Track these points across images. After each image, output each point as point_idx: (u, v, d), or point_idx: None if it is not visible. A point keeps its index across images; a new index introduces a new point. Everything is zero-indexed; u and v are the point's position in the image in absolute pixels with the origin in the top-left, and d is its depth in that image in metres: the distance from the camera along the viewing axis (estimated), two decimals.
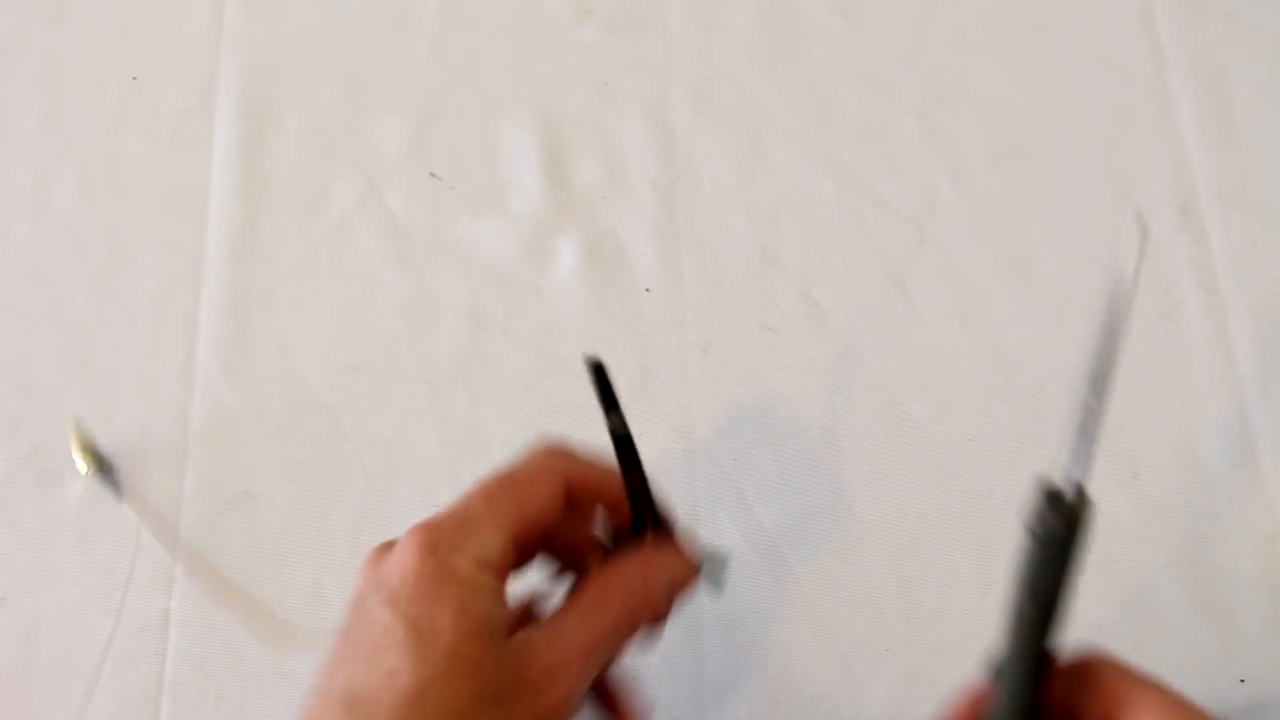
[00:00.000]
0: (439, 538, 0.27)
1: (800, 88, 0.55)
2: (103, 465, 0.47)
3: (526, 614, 0.34)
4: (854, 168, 0.53)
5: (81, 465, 0.45)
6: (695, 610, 0.45)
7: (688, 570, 0.33)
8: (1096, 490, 0.47)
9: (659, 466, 0.47)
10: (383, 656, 0.25)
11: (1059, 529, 0.27)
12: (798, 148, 0.54)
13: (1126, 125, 0.53)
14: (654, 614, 0.31)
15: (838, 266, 0.51)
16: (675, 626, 0.45)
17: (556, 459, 0.31)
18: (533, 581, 0.35)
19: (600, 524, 0.35)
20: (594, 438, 0.49)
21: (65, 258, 0.53)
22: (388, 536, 0.31)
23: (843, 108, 0.54)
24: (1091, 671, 0.30)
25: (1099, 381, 0.29)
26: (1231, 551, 0.45)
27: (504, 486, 0.29)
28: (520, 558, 0.29)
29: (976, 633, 0.45)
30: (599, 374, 0.31)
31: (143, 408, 0.49)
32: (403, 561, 0.27)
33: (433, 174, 0.54)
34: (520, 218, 0.53)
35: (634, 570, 0.31)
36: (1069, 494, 0.27)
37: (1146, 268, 0.50)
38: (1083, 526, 0.26)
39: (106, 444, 0.49)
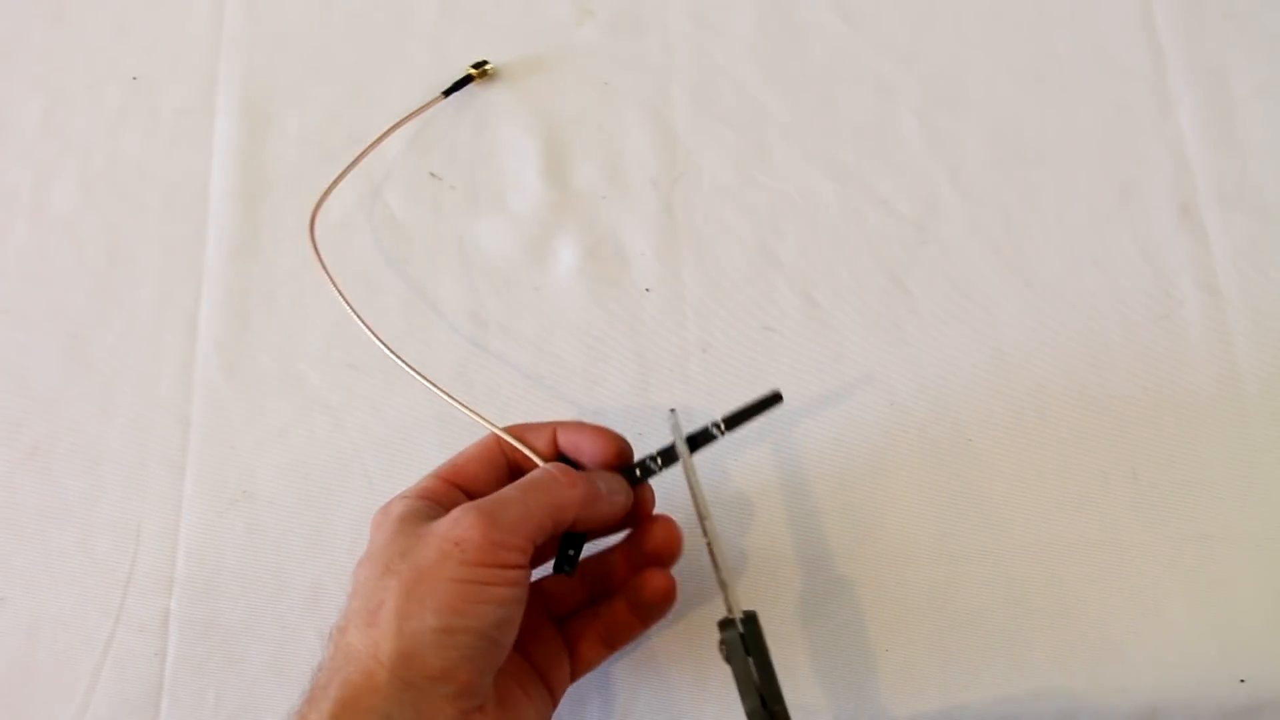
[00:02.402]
0: (402, 491, 0.40)
1: (800, 88, 0.55)
2: None
3: None
4: (854, 168, 0.53)
5: None
6: (695, 615, 0.45)
7: (616, 478, 0.41)
8: (1096, 489, 0.48)
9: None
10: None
11: (736, 639, 0.37)
12: (798, 148, 0.54)
13: (1126, 125, 0.53)
14: (575, 493, 0.38)
15: (838, 266, 0.51)
16: (676, 633, 0.45)
17: (494, 437, 0.42)
18: None
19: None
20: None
21: (65, 258, 0.53)
22: None
23: (843, 108, 0.54)
24: None
25: (703, 521, 0.40)
26: (1231, 551, 0.46)
27: (450, 459, 0.41)
28: (452, 490, 0.40)
29: (976, 633, 0.45)
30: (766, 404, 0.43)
31: (143, 408, 0.49)
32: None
33: (433, 174, 0.54)
34: (520, 218, 0.53)
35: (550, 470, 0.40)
36: (734, 617, 0.38)
37: (1147, 268, 0.50)
38: (750, 634, 0.37)
39: (107, 444, 0.49)
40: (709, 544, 0.39)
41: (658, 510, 0.43)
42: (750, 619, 0.38)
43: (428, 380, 0.45)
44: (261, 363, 0.50)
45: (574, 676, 0.42)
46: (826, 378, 0.49)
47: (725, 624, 0.38)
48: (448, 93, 0.55)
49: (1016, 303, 0.50)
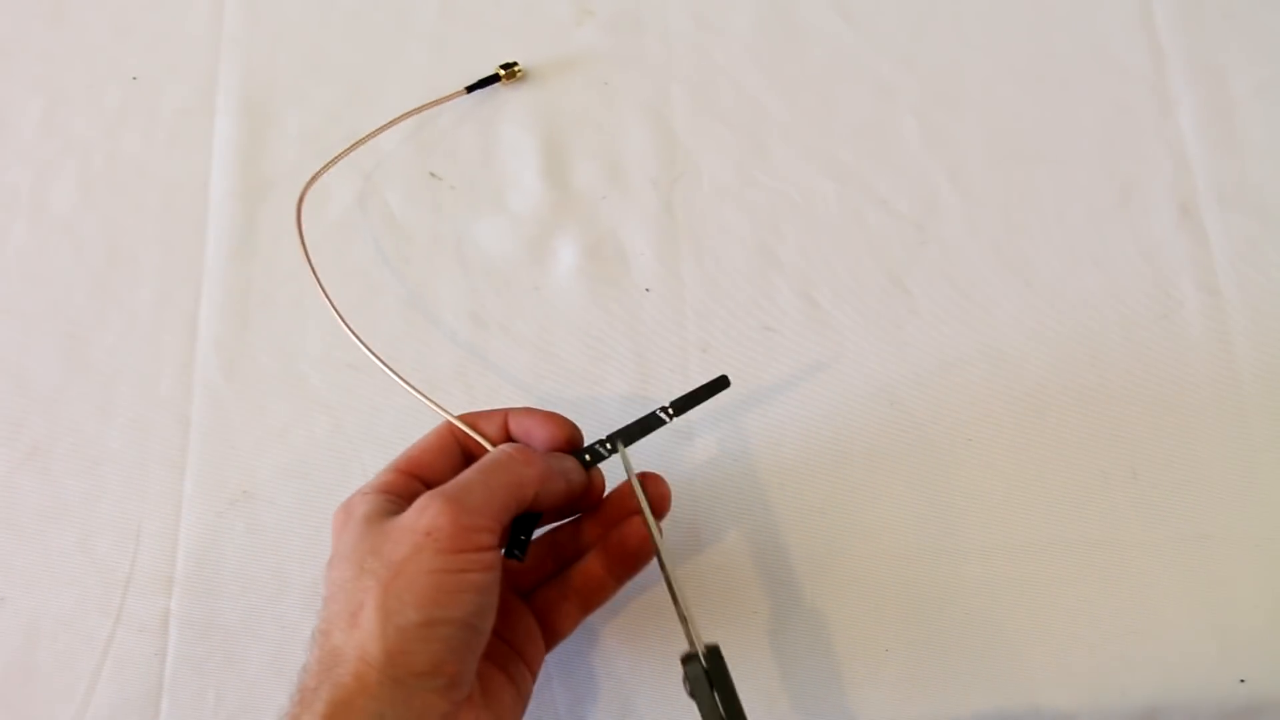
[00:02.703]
0: (361, 487, 0.40)
1: (800, 88, 0.55)
2: None
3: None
4: (854, 168, 0.53)
5: None
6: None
7: (569, 458, 0.41)
8: (1096, 489, 0.47)
9: (659, 465, 0.47)
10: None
11: (700, 674, 0.37)
12: (798, 148, 0.54)
13: (1126, 125, 0.53)
14: (534, 471, 0.38)
15: (838, 266, 0.51)
16: (677, 633, 0.45)
17: (449, 426, 0.42)
18: None
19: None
20: (588, 435, 0.49)
21: (65, 258, 0.53)
22: None
23: (843, 108, 0.54)
24: None
25: (662, 566, 0.40)
26: (1231, 551, 0.46)
27: (405, 450, 0.41)
28: (412, 483, 0.40)
29: (976, 633, 0.45)
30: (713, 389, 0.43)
31: (143, 408, 0.49)
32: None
33: (433, 174, 0.54)
34: (520, 218, 0.53)
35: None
36: (697, 652, 0.37)
37: (1147, 268, 0.50)
38: (715, 669, 0.37)
39: (107, 444, 0.49)
40: (665, 578, 0.39)
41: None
42: (713, 653, 0.37)
43: (376, 356, 0.45)
44: (261, 363, 0.50)
45: (549, 647, 0.41)
46: (826, 378, 0.49)
47: (688, 659, 0.37)
48: (471, 89, 0.54)
49: (1016, 303, 0.50)
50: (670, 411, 0.43)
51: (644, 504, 0.40)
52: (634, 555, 0.41)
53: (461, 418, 0.41)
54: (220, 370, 0.50)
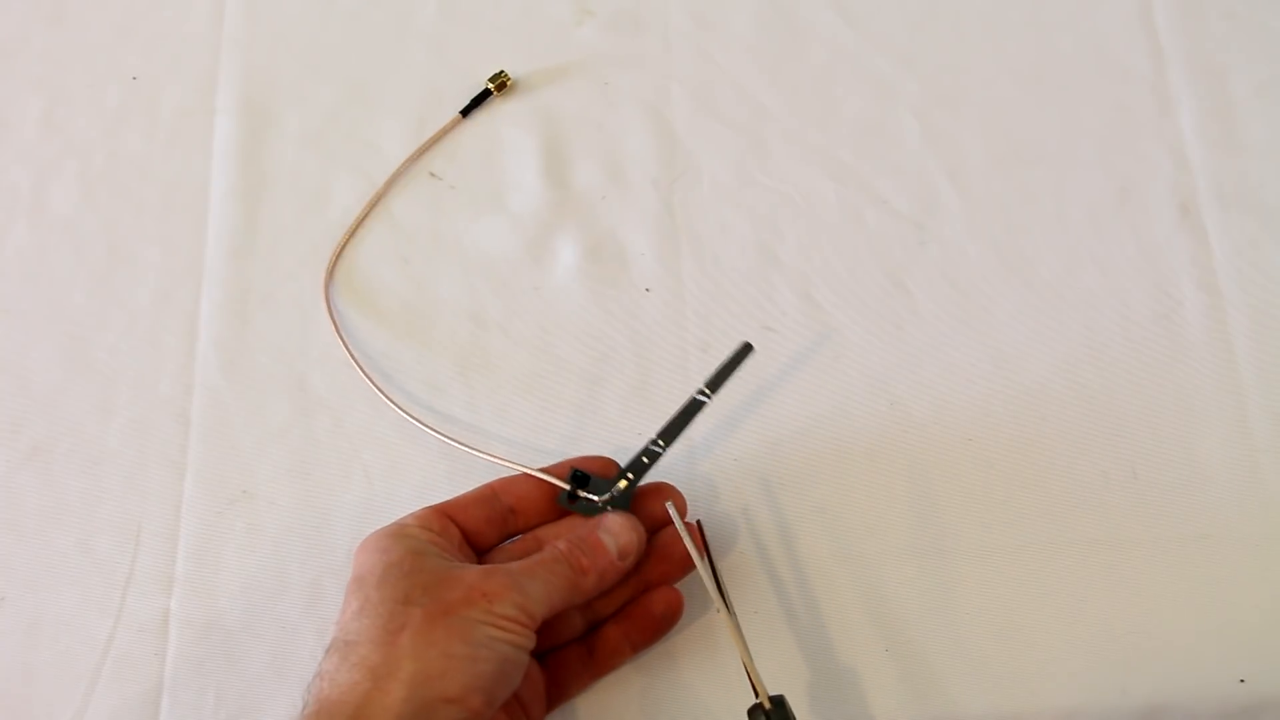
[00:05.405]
0: (399, 520, 0.41)
1: (800, 88, 0.55)
2: None
3: None
4: (854, 168, 0.53)
5: None
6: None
7: (631, 531, 0.41)
8: (1096, 489, 0.47)
9: (658, 466, 0.47)
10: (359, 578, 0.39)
11: None
12: (798, 148, 0.54)
13: (1126, 125, 0.53)
14: (593, 569, 0.40)
15: (838, 266, 0.51)
16: (681, 624, 0.45)
17: (491, 485, 0.44)
18: None
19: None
20: (589, 435, 0.49)
21: (65, 258, 0.53)
22: None
23: (843, 108, 0.54)
24: None
25: (724, 604, 0.40)
26: (1231, 551, 0.46)
27: (454, 498, 0.43)
28: (449, 525, 0.41)
29: (975, 632, 0.45)
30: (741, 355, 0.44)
31: (143, 408, 0.49)
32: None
33: (433, 174, 0.54)
34: (520, 218, 0.53)
35: (579, 529, 0.42)
36: (766, 705, 0.38)
37: (1147, 268, 0.50)
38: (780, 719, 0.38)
39: (107, 444, 0.49)
40: (732, 630, 0.40)
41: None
42: (778, 704, 0.38)
43: (429, 426, 0.45)
44: (261, 363, 0.50)
45: (552, 705, 0.42)
46: (826, 378, 0.49)
47: (754, 710, 0.38)
48: (465, 112, 0.54)
49: (1016, 303, 0.50)
50: (707, 392, 0.44)
51: (693, 551, 0.41)
52: (658, 623, 0.43)
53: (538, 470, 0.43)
54: (220, 370, 0.50)
